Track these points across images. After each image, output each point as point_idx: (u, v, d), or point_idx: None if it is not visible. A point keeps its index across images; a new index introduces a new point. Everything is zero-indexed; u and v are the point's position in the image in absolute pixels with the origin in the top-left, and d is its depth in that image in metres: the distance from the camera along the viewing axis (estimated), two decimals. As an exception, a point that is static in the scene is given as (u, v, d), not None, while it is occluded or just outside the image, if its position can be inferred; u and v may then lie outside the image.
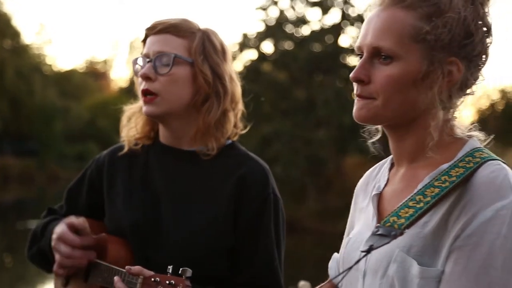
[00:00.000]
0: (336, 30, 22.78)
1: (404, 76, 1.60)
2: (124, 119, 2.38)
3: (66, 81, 41.83)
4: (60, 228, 2.25)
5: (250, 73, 21.47)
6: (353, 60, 23.13)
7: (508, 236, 1.48)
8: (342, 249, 1.84)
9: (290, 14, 22.77)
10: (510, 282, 1.48)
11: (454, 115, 1.67)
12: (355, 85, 1.67)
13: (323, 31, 22.86)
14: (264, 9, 22.82)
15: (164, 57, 2.23)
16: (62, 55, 76.00)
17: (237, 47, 22.64)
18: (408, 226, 1.49)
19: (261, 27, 22.90)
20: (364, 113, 1.65)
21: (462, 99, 1.67)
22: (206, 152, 2.27)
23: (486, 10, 1.64)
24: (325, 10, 22.70)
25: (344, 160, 23.53)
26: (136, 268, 1.97)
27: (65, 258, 2.23)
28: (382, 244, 1.47)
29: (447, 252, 1.53)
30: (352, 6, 22.75)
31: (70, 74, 44.19)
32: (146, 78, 2.23)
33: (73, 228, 2.25)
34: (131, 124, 2.37)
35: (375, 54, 1.63)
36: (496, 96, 28.15)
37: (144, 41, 2.33)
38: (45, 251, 2.33)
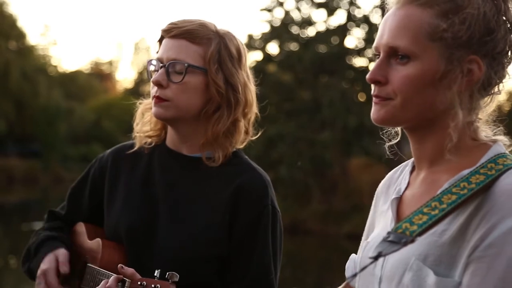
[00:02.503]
0: (342, 31, 22.74)
1: (421, 75, 1.56)
2: (138, 113, 2.37)
3: (71, 82, 41.92)
4: (46, 265, 2.29)
5: (255, 74, 21.43)
6: (359, 61, 23.11)
7: None
8: (359, 252, 1.80)
9: (296, 15, 22.75)
10: None
11: (478, 117, 1.61)
12: (372, 86, 1.62)
13: (328, 32, 22.82)
14: (270, 10, 22.80)
15: (177, 65, 2.20)
16: (67, 56, 76.18)
17: (242, 48, 22.64)
18: (420, 234, 1.45)
19: (266, 28, 22.90)
20: (382, 115, 1.61)
21: (486, 99, 1.61)
22: (212, 160, 2.24)
23: (509, 5, 1.58)
24: (330, 11, 22.66)
25: (349, 162, 23.50)
26: (129, 270, 1.96)
27: None
28: (391, 251, 1.43)
29: (465, 263, 1.48)
30: (358, 7, 22.70)
31: (75, 75, 44.30)
32: (158, 84, 2.21)
33: (57, 268, 2.28)
34: (145, 119, 2.35)
35: (392, 54, 1.59)
36: (502, 98, 28.12)
37: (160, 41, 2.30)
38: (33, 272, 2.36)
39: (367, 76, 1.61)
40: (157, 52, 2.29)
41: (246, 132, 2.32)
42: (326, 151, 21.66)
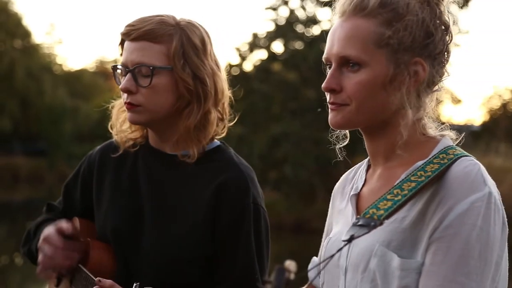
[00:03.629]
0: (346, 30, 22.71)
1: (372, 81, 1.68)
2: (113, 116, 2.34)
3: (76, 81, 41.85)
4: (47, 230, 2.27)
5: (260, 73, 21.43)
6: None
7: (483, 227, 1.57)
8: (322, 250, 1.90)
9: (301, 14, 22.73)
10: (485, 271, 1.57)
11: (425, 114, 1.75)
12: (327, 94, 1.74)
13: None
14: (274, 9, 22.77)
15: (143, 68, 2.18)
16: (72, 55, 76.22)
17: (247, 47, 22.60)
18: (387, 217, 1.58)
19: (271, 27, 22.87)
20: (339, 120, 1.75)
21: (430, 96, 1.75)
22: (188, 157, 2.23)
23: (442, 9, 1.71)
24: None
25: (354, 161, 23.44)
26: (107, 283, 2.02)
27: (47, 259, 2.23)
28: (363, 233, 1.55)
29: (426, 244, 1.61)
30: (362, 6, 22.68)
31: (80, 74, 44.20)
32: (127, 91, 2.19)
33: (61, 232, 2.25)
34: (121, 119, 2.34)
35: (343, 63, 1.71)
36: (507, 96, 28.02)
37: (121, 44, 2.26)
38: (33, 252, 2.35)
39: (323, 85, 1.73)
40: (121, 55, 2.26)
41: (221, 119, 2.29)
42: (330, 150, 21.64)
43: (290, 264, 2.57)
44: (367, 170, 1.89)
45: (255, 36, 22.84)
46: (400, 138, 1.71)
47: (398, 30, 1.67)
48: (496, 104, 28.22)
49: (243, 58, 22.20)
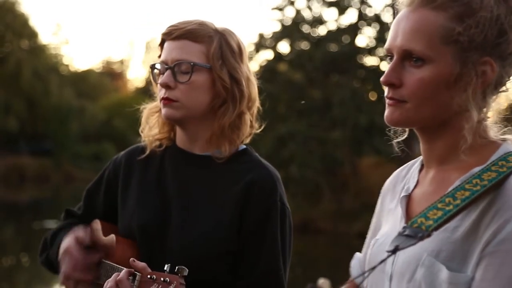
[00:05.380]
0: (353, 30, 22.70)
1: (436, 79, 1.57)
2: (143, 118, 2.39)
3: (82, 81, 41.98)
4: (67, 242, 2.28)
5: (266, 73, 21.45)
6: (370, 60, 23.07)
7: None
8: (368, 250, 1.81)
9: (307, 14, 22.74)
10: None
11: (487, 116, 1.63)
12: (385, 88, 1.63)
13: (339, 31, 22.79)
14: (281, 9, 22.79)
15: (183, 65, 2.23)
16: (79, 55, 76.43)
17: (253, 47, 22.64)
18: (436, 228, 1.47)
19: (278, 27, 22.89)
20: (396, 117, 1.62)
21: (494, 97, 1.63)
22: (220, 155, 2.26)
23: None
24: (341, 10, 22.62)
25: (360, 161, 23.46)
26: (141, 264, 1.99)
27: (69, 271, 2.27)
28: (408, 245, 1.44)
29: (478, 258, 1.50)
30: (369, 6, 22.66)
31: (87, 74, 44.36)
32: (166, 86, 2.24)
33: (80, 242, 2.27)
34: (151, 123, 2.37)
35: (406, 57, 1.59)
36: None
37: (161, 45, 2.32)
38: (52, 261, 2.37)
39: (382, 78, 1.61)
40: (159, 56, 2.31)
41: (251, 126, 2.34)
42: (337, 150, 21.64)
43: (324, 283, 2.58)
44: (420, 171, 1.75)
45: (261, 36, 22.87)
46: (464, 142, 1.57)
47: (470, 26, 1.54)
48: (503, 104, 28.16)
49: (249, 58, 22.21)
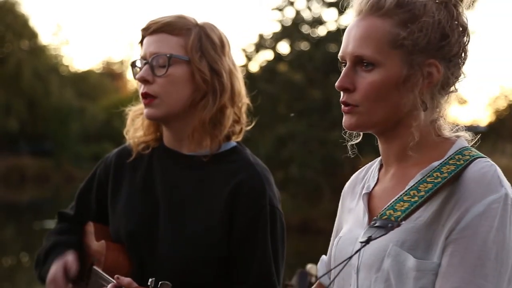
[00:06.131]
0: (352, 30, 22.69)
1: (386, 81, 1.68)
2: (128, 120, 2.36)
3: (82, 81, 41.92)
4: (54, 270, 2.29)
5: (266, 73, 21.43)
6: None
7: (500, 229, 1.57)
8: (332, 249, 1.89)
9: (306, 15, 22.71)
10: (502, 273, 1.56)
11: (441, 115, 1.74)
12: (341, 93, 1.74)
13: (339, 32, 22.60)
14: (280, 9, 22.77)
15: (160, 58, 2.21)
16: (79, 56, 76.35)
17: (253, 48, 22.61)
18: (405, 218, 1.57)
19: (277, 28, 22.87)
20: (354, 122, 1.74)
21: (445, 98, 1.73)
22: (204, 156, 2.23)
23: (460, 10, 1.70)
24: (341, 11, 22.58)
25: (360, 161, 23.44)
26: (126, 280, 2.00)
27: None
28: (380, 235, 1.55)
29: (443, 245, 1.60)
30: (369, 6, 22.65)
31: (87, 74, 44.27)
32: (144, 81, 2.21)
33: (67, 273, 2.29)
34: (137, 125, 2.35)
35: (358, 62, 1.71)
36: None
37: (141, 42, 2.29)
38: (44, 279, 2.37)
39: (336, 84, 1.74)
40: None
41: (238, 122, 2.30)
42: (337, 150, 21.63)
43: (312, 268, 2.59)
44: (379, 170, 1.87)
45: (261, 37, 22.85)
46: (412, 140, 1.70)
47: (413, 31, 1.66)
48: (502, 104, 28.17)
49: (249, 59, 22.22)
